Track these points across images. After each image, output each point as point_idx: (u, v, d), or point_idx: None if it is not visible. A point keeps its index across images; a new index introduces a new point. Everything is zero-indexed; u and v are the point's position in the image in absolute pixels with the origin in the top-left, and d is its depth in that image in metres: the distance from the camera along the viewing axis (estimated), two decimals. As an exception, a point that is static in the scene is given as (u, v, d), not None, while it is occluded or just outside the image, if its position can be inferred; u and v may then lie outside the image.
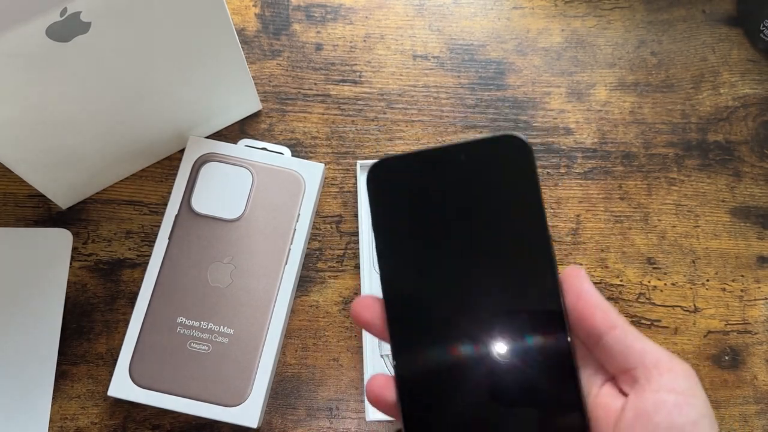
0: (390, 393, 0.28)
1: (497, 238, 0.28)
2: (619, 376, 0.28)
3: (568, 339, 0.27)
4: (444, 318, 0.28)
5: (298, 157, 0.51)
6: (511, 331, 0.27)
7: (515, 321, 0.27)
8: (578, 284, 0.28)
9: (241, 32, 0.54)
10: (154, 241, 0.47)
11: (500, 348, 0.27)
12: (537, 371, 0.27)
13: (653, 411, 0.26)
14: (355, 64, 0.54)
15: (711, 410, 0.26)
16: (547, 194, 0.52)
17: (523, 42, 0.55)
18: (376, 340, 0.47)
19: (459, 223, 0.28)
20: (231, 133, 0.52)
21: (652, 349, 0.27)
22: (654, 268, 0.51)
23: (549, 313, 0.27)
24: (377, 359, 0.47)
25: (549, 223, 0.28)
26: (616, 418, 0.27)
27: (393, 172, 0.29)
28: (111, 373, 0.45)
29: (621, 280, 0.50)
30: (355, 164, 0.51)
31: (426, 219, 0.28)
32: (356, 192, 0.51)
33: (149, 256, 0.47)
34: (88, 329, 0.48)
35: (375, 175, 0.29)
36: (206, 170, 0.49)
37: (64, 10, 0.34)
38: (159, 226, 0.48)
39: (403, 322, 0.28)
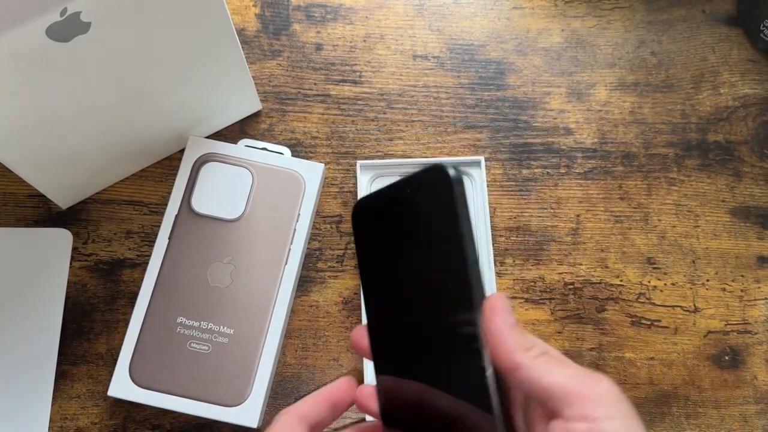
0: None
1: (430, 269, 0.30)
2: (542, 407, 0.28)
3: (487, 373, 0.28)
4: (399, 326, 0.32)
5: (298, 157, 0.51)
6: (441, 353, 0.30)
7: (445, 343, 0.29)
8: (488, 320, 0.28)
9: (241, 32, 0.54)
10: (154, 241, 0.47)
11: (434, 361, 0.30)
12: (459, 397, 0.29)
13: None
14: (355, 64, 0.54)
15: (633, 427, 0.26)
16: (547, 194, 0.52)
17: (523, 42, 0.55)
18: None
19: (404, 253, 0.31)
20: (231, 133, 0.52)
21: (560, 381, 0.26)
22: (654, 268, 0.51)
23: (470, 348, 0.28)
24: (377, 359, 0.47)
25: (478, 251, 0.29)
26: None
27: (365, 210, 0.33)
28: (111, 373, 0.45)
29: (621, 280, 0.50)
30: (355, 164, 0.51)
31: (382, 250, 0.32)
32: (356, 192, 0.51)
33: (149, 256, 0.47)
34: (88, 329, 0.48)
35: (355, 215, 0.33)
36: (206, 170, 0.49)
37: (64, 10, 0.34)
38: (159, 226, 0.48)
39: (376, 329, 0.32)
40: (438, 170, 0.28)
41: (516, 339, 0.27)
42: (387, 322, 0.32)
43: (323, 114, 0.53)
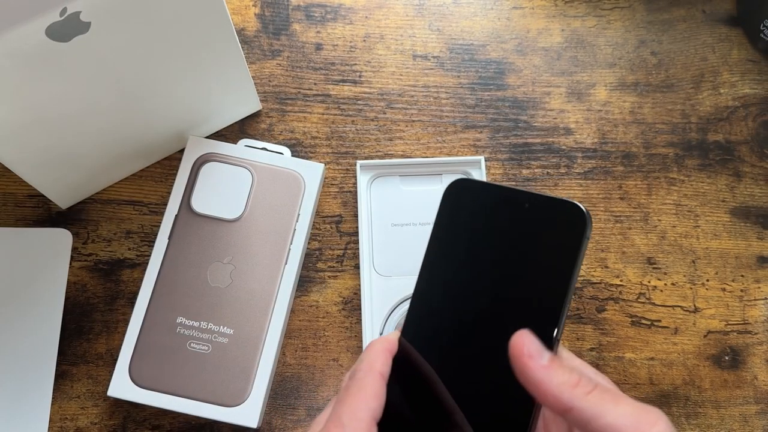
0: None
1: (519, 282, 0.30)
2: None
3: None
4: (447, 321, 0.31)
5: (298, 157, 0.51)
6: (495, 367, 0.29)
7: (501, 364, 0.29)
8: (522, 368, 0.27)
9: (241, 32, 0.54)
10: (153, 241, 0.47)
11: (481, 366, 0.30)
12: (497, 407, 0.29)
13: None
14: (355, 64, 0.54)
15: None
16: (547, 194, 0.52)
17: (523, 42, 0.55)
18: (376, 340, 0.47)
19: (496, 256, 0.31)
20: (231, 133, 0.52)
21: (613, 423, 0.26)
22: (654, 268, 0.51)
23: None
24: (377, 359, 0.47)
25: (572, 294, 0.30)
26: None
27: (466, 192, 0.32)
28: (111, 373, 0.45)
29: (621, 280, 0.50)
30: (355, 164, 0.51)
31: (473, 242, 0.32)
32: (356, 192, 0.51)
33: (149, 256, 0.47)
34: (87, 329, 0.48)
35: (450, 190, 0.33)
36: (206, 170, 0.49)
37: (64, 10, 0.34)
38: (159, 226, 0.48)
39: (418, 311, 0.32)
40: (576, 209, 0.30)
41: (559, 379, 0.26)
42: (437, 302, 0.32)
43: (323, 114, 0.53)
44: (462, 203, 0.32)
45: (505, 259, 0.31)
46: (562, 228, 0.30)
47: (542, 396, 0.26)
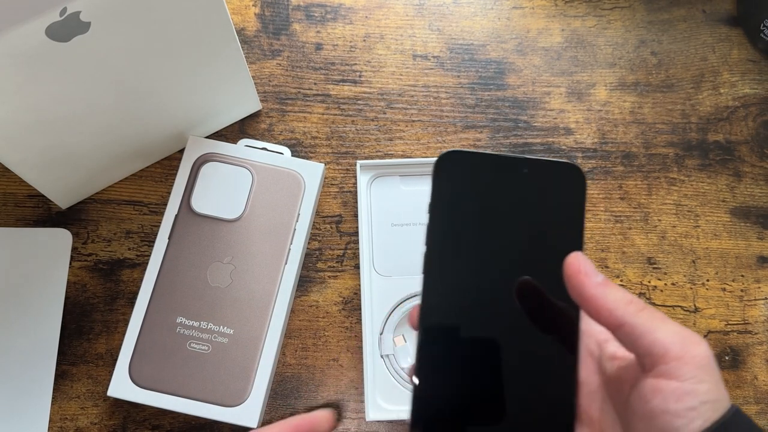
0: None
1: (533, 245, 0.31)
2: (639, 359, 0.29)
3: (576, 342, 0.30)
4: (469, 294, 0.31)
5: (298, 157, 0.51)
6: (525, 322, 0.30)
7: (531, 312, 0.30)
8: (578, 283, 0.29)
9: (241, 32, 0.54)
10: (153, 241, 0.47)
11: (513, 333, 0.30)
12: (539, 363, 0.30)
13: (650, 396, 0.27)
14: (355, 64, 0.54)
15: (719, 394, 0.27)
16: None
17: (523, 42, 0.55)
18: (376, 340, 0.47)
19: (504, 223, 0.31)
20: (231, 133, 0.52)
21: (662, 339, 0.27)
22: (654, 268, 0.51)
23: (562, 312, 0.30)
24: (377, 359, 0.47)
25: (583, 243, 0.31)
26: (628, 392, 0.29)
27: (459, 164, 0.32)
28: (111, 373, 0.45)
29: (621, 280, 0.50)
30: (355, 164, 0.51)
31: (476, 213, 0.32)
32: (356, 192, 0.51)
33: (149, 256, 0.47)
34: (87, 329, 0.48)
35: (442, 163, 0.32)
36: (206, 170, 0.49)
37: (64, 10, 0.34)
38: (159, 226, 0.48)
39: (435, 290, 0.31)
40: (573, 167, 0.31)
41: (614, 296, 0.28)
42: (452, 276, 0.31)
43: (323, 114, 0.53)
44: (457, 175, 0.32)
45: (515, 224, 0.31)
46: (565, 187, 0.31)
47: (596, 311, 0.28)
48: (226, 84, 0.48)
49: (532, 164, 0.31)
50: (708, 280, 0.51)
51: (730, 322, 0.50)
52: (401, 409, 0.46)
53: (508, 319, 0.30)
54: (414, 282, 0.48)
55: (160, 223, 0.48)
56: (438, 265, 0.31)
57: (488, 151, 0.33)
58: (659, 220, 0.52)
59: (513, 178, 0.31)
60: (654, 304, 0.50)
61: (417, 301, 0.31)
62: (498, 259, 0.31)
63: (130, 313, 0.46)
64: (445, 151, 0.32)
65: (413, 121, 0.53)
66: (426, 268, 0.31)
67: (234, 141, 0.51)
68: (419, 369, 0.30)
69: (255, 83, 0.51)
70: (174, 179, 0.49)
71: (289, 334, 0.48)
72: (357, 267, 0.50)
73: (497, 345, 0.30)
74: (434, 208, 0.32)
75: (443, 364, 0.30)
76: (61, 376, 0.47)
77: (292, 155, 0.51)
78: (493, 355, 0.30)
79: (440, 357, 0.30)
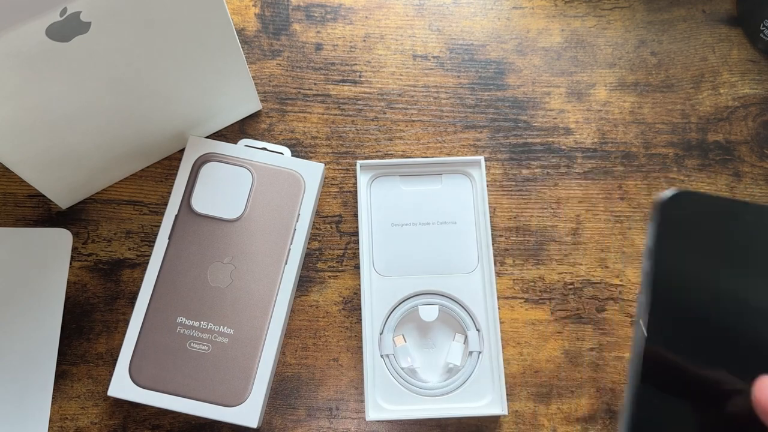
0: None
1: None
2: None
3: None
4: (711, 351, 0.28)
5: (298, 157, 0.51)
6: None
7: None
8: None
9: (241, 32, 0.54)
10: (154, 241, 0.47)
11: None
12: None
13: None
14: (355, 64, 0.54)
15: None
16: (547, 194, 0.52)
17: (523, 42, 0.55)
18: (376, 340, 0.47)
19: (749, 273, 0.29)
20: (231, 133, 0.52)
21: None
22: (654, 268, 0.51)
23: None
24: (377, 359, 0.47)
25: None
26: None
27: (691, 206, 0.29)
28: (111, 373, 0.45)
29: (621, 280, 0.50)
30: (355, 164, 0.51)
31: (718, 257, 0.29)
32: (356, 192, 0.51)
33: (149, 256, 0.47)
34: (87, 329, 0.48)
35: (671, 204, 0.29)
36: (206, 170, 0.49)
37: (64, 10, 0.34)
38: (159, 226, 0.48)
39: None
40: None
41: None
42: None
43: (323, 114, 0.53)
44: (686, 218, 0.29)
45: (757, 274, 0.28)
46: None
47: None
48: (226, 84, 0.48)
49: (760, 211, 0.29)
50: (708, 280, 0.51)
51: (730, 322, 0.50)
52: (401, 408, 0.46)
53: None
54: (414, 282, 0.48)
55: (161, 223, 0.48)
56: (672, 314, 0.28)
57: (719, 194, 0.31)
58: (659, 220, 0.52)
59: (742, 223, 0.29)
60: (654, 304, 0.50)
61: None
62: (747, 314, 0.28)
63: (131, 313, 0.46)
64: (671, 192, 0.29)
65: (413, 121, 0.53)
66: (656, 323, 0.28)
67: (234, 141, 0.51)
68: None
69: (255, 83, 0.51)
70: (174, 179, 0.49)
71: (289, 334, 0.48)
72: (357, 267, 0.50)
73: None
74: (661, 253, 0.29)
75: None
76: (61, 376, 0.47)
77: (292, 155, 0.51)
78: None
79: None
